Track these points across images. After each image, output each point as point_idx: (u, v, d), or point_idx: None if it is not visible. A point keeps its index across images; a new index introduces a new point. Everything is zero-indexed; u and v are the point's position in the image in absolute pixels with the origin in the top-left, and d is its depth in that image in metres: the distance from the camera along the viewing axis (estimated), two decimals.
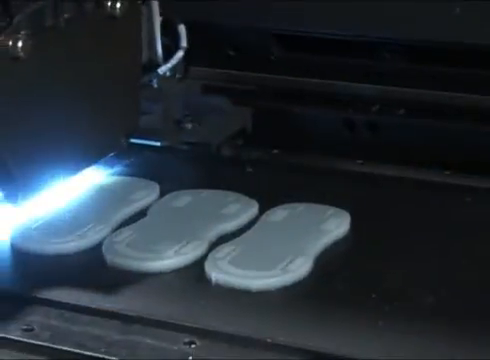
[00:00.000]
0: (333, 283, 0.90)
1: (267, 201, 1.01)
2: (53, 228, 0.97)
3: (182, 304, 0.88)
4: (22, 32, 0.83)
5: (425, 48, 1.14)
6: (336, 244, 0.96)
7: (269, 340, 0.80)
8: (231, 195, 1.02)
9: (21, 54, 0.82)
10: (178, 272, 0.92)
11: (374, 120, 1.16)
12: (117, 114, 0.99)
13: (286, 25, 1.18)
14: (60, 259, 0.93)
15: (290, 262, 0.90)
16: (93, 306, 0.85)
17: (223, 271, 0.90)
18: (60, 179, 0.94)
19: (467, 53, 1.13)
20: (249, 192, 1.03)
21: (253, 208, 1.00)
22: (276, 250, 0.93)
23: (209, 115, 1.15)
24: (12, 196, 0.89)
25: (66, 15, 0.88)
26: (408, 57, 1.16)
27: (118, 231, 0.97)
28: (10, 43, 0.82)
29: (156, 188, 1.03)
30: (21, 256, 0.95)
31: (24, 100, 0.87)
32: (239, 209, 1.00)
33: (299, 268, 0.90)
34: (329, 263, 0.93)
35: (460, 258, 0.93)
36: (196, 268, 0.91)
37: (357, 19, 1.14)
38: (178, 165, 1.12)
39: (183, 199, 1.03)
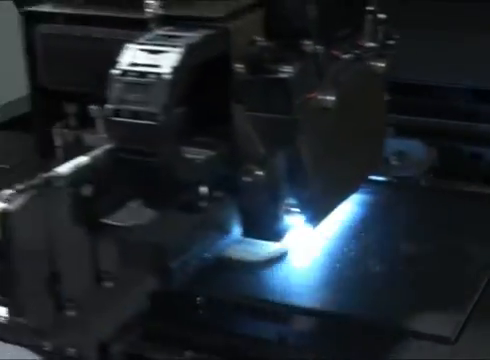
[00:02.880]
0: None
1: None
2: None
3: None
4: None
5: None
6: None
7: None
8: None
9: (330, 105, 0.95)
10: None
11: None
12: (373, 149, 1.11)
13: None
14: None
15: None
16: None
17: None
18: (340, 203, 1.05)
19: None
20: None
21: None
22: None
23: (407, 154, 1.29)
24: (313, 220, 0.98)
25: (352, 73, 1.01)
26: None
27: None
28: (323, 97, 0.95)
29: None
30: None
31: (325, 140, 0.98)
32: None
33: None
34: None
35: None
36: None
37: None
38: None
39: None
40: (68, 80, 1.00)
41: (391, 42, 1.07)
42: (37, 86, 1.01)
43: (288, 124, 0.92)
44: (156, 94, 0.83)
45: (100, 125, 1.00)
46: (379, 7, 1.07)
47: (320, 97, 0.94)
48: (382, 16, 1.06)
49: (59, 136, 1.03)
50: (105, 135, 1.01)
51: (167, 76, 0.83)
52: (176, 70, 0.84)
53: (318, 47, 0.94)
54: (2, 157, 1.44)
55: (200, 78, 0.90)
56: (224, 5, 0.94)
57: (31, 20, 0.99)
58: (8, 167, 1.40)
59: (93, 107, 0.99)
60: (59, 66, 0.99)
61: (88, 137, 1.01)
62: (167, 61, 0.84)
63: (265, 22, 0.95)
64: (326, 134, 0.98)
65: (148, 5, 0.94)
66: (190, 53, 0.85)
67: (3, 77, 2.27)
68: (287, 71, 0.90)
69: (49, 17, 0.99)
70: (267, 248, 1.08)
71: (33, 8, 0.99)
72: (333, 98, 0.94)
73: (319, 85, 0.94)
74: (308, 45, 0.93)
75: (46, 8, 0.99)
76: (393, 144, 1.26)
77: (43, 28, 0.99)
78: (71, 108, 1.02)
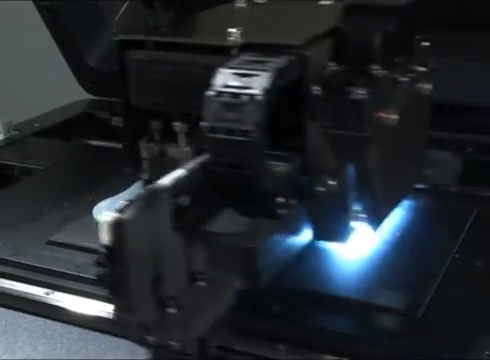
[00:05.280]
0: None
1: None
2: None
3: None
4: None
5: None
6: None
7: None
8: None
9: (393, 123, 0.90)
10: None
11: None
12: (419, 161, 1.08)
13: None
14: None
15: None
16: None
17: None
18: (394, 209, 1.01)
19: None
20: None
21: None
22: None
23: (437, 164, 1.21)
24: (374, 222, 0.94)
25: (408, 94, 0.96)
26: None
27: None
28: (387, 116, 0.89)
29: None
30: None
31: (388, 154, 0.93)
32: None
33: None
34: None
35: None
36: None
37: None
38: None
39: None
40: (154, 100, 0.94)
41: (435, 66, 1.01)
42: (128, 104, 0.94)
43: (359, 140, 0.87)
44: (249, 113, 0.79)
45: (182, 139, 0.95)
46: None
47: (386, 116, 0.89)
48: (426, 43, 1.01)
49: (145, 149, 0.97)
50: (187, 148, 0.97)
51: (259, 97, 0.79)
52: (267, 91, 0.79)
53: (384, 72, 0.88)
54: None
55: (281, 99, 0.84)
56: (298, 33, 0.89)
57: (124, 46, 0.93)
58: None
59: (177, 123, 0.94)
60: (147, 87, 0.93)
61: (171, 150, 0.95)
62: (258, 83, 0.79)
63: (336, 49, 0.89)
64: (388, 149, 0.94)
65: (230, 33, 0.88)
66: (278, 76, 0.80)
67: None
68: (361, 93, 0.85)
69: (139, 44, 0.93)
70: None
71: (126, 36, 0.93)
72: (396, 117, 0.89)
73: (384, 105, 0.88)
74: (376, 69, 0.87)
75: (137, 36, 0.93)
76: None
77: (134, 54, 0.93)
78: (156, 124, 0.96)
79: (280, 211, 0.86)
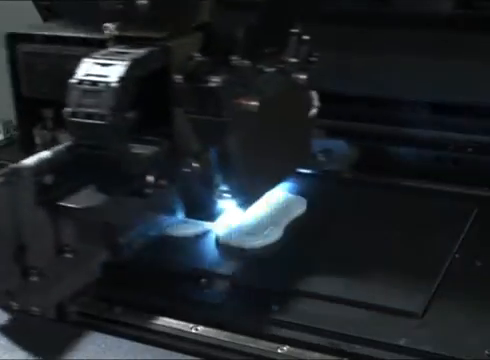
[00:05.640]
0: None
1: None
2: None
3: None
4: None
5: None
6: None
7: None
8: None
9: (254, 110, 0.94)
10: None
11: None
12: (299, 147, 1.11)
13: None
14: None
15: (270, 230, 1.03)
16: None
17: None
18: (269, 190, 1.05)
19: None
20: None
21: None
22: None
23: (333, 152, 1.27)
24: (243, 204, 0.99)
25: (275, 84, 1.00)
26: None
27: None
28: (248, 102, 0.94)
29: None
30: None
31: (251, 138, 0.98)
32: None
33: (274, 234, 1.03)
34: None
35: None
36: None
37: None
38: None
39: None
40: (44, 90, 0.99)
41: (313, 59, 1.06)
42: (19, 95, 1.00)
43: (219, 125, 0.92)
44: (105, 99, 0.84)
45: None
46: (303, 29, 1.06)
47: (246, 103, 0.94)
48: (306, 37, 1.05)
49: (39, 136, 1.02)
50: None
51: (114, 84, 0.84)
52: (122, 79, 0.85)
53: (245, 62, 0.93)
54: None
55: (148, 87, 0.89)
56: (169, 28, 0.94)
57: (13, 40, 0.98)
58: None
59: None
60: (35, 78, 0.98)
61: (63, 136, 1.00)
62: (115, 72, 0.84)
63: (204, 42, 0.94)
64: (252, 133, 0.99)
65: (106, 27, 0.93)
66: (134, 66, 0.85)
67: None
68: (216, 81, 0.90)
69: (28, 38, 0.98)
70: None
71: (15, 30, 0.99)
72: (257, 103, 0.93)
73: (245, 93, 0.93)
74: (236, 60, 0.92)
75: (26, 30, 0.99)
76: (321, 143, 1.26)
77: (23, 47, 0.99)
78: (48, 112, 1.01)
79: (148, 190, 0.91)
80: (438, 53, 1.23)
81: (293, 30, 1.05)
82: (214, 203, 0.96)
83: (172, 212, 0.96)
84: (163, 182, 0.93)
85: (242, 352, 0.84)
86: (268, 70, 0.98)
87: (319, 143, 1.23)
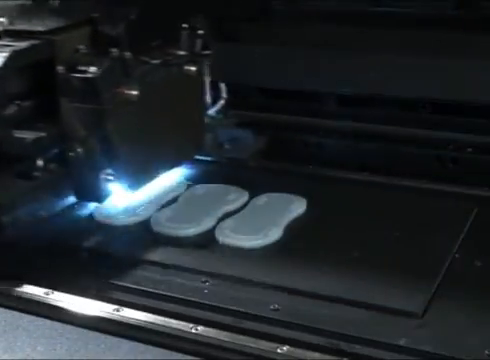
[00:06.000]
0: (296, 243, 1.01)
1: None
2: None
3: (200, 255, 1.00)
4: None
5: None
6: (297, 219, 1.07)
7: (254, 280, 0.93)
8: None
9: (134, 98, 1.01)
10: (198, 236, 1.04)
11: None
12: (190, 135, 1.16)
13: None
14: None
15: (268, 230, 1.03)
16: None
17: (226, 236, 1.02)
18: (158, 174, 1.10)
19: None
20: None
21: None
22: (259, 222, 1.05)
23: (240, 141, 1.33)
24: (130, 187, 1.04)
25: (161, 74, 1.06)
26: None
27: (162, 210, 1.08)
28: (128, 91, 1.01)
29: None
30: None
31: (134, 125, 1.04)
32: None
33: (274, 234, 1.03)
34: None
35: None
36: (209, 234, 1.03)
37: None
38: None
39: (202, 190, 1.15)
40: None
41: (207, 52, 1.13)
42: None
43: (98, 112, 0.98)
44: None
45: None
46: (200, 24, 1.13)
47: (126, 92, 1.00)
48: (200, 32, 1.12)
49: None
50: None
51: None
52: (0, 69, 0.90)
53: (126, 54, 0.99)
54: None
55: (39, 78, 0.96)
56: (56, 22, 1.00)
57: None
58: None
59: None
60: None
61: None
62: None
63: (91, 35, 1.01)
64: (135, 121, 1.05)
65: (0, 22, 1.00)
66: (14, 57, 0.92)
67: None
68: (93, 72, 0.96)
69: None
70: None
71: None
72: (136, 93, 0.99)
73: (125, 83, 0.99)
74: (115, 52, 0.99)
75: None
76: (228, 133, 1.31)
77: None
78: None
79: (36, 173, 0.99)
80: (438, 53, 1.22)
81: (184, 25, 1.12)
82: (99, 186, 1.03)
83: (62, 194, 1.04)
84: (52, 166, 1.01)
85: (242, 352, 0.83)
86: (153, 62, 1.05)
87: (227, 133, 1.30)
